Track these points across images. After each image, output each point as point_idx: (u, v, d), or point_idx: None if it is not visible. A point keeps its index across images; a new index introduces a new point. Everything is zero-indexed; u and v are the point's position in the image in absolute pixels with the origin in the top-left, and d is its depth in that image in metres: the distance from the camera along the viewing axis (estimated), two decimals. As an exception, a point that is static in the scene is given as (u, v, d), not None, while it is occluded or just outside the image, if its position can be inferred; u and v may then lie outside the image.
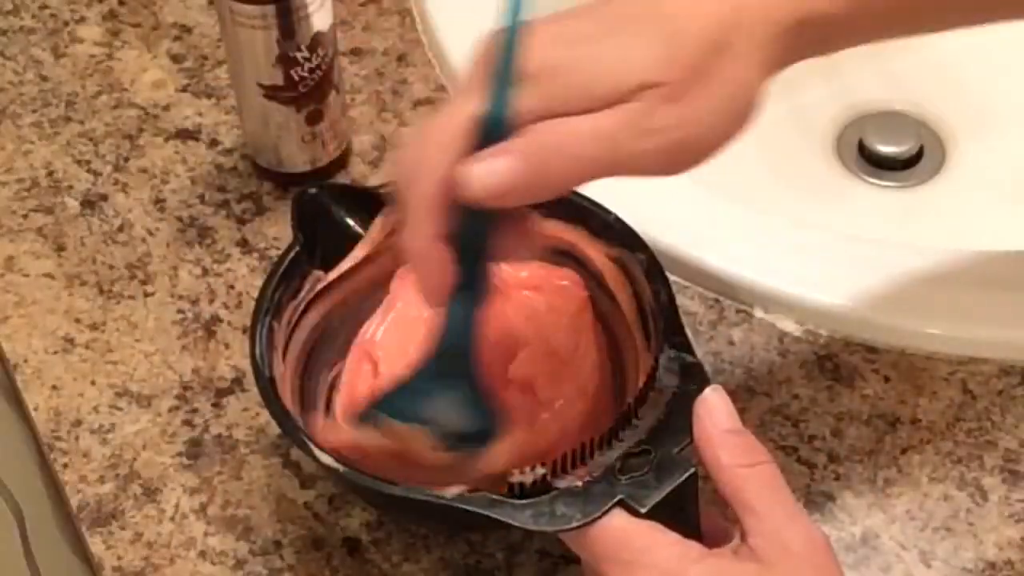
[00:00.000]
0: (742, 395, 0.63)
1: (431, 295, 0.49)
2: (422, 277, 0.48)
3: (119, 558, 0.60)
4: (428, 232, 0.47)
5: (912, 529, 0.59)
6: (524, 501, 0.49)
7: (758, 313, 0.67)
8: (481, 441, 0.51)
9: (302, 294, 0.59)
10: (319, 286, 0.60)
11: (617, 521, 0.48)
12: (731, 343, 0.66)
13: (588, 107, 0.45)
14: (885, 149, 0.84)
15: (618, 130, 0.45)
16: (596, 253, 0.59)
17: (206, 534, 0.60)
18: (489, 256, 0.49)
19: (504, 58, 0.45)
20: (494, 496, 0.50)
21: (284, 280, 0.58)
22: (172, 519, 0.61)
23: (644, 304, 0.57)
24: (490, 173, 0.45)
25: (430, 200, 0.46)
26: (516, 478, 0.49)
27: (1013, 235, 0.73)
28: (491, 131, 0.45)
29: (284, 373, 0.57)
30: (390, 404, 0.52)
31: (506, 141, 0.45)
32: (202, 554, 0.60)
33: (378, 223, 0.60)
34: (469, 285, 0.49)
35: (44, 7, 0.83)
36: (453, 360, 0.51)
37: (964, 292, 0.66)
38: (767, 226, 0.68)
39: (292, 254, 0.59)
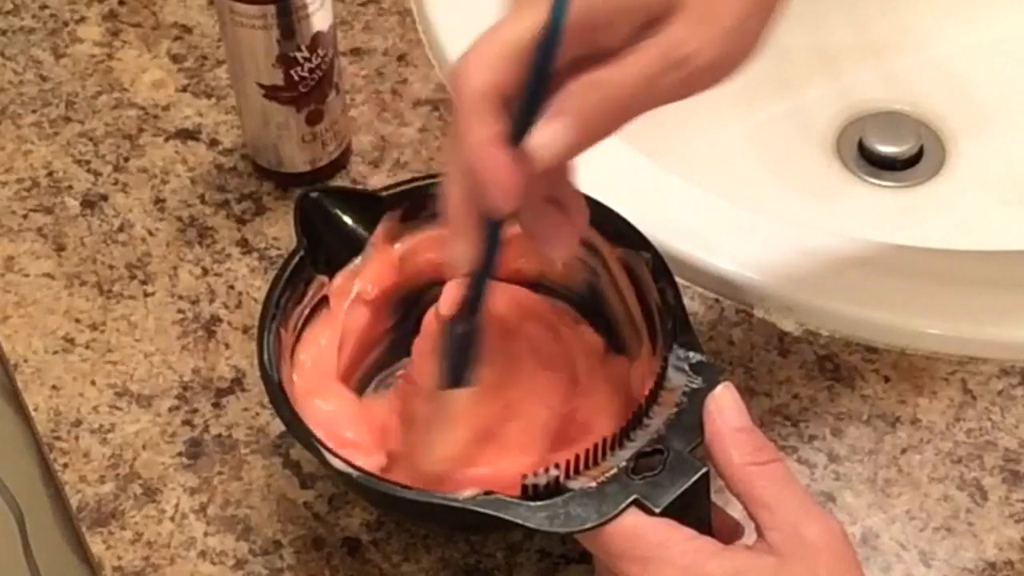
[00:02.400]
0: (742, 395, 0.63)
1: (500, 195, 0.47)
2: (486, 179, 0.47)
3: (119, 558, 0.60)
4: (485, 132, 0.46)
5: (912, 529, 0.59)
6: (538, 503, 0.49)
7: (758, 313, 0.67)
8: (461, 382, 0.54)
9: (307, 299, 0.59)
10: (323, 291, 0.60)
11: (632, 519, 0.48)
12: (731, 343, 0.66)
13: (613, 27, 0.45)
14: (885, 149, 0.84)
15: (655, 73, 0.45)
16: (605, 251, 0.59)
17: (206, 534, 0.60)
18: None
19: None
20: (509, 499, 0.50)
21: (289, 285, 0.58)
22: (172, 519, 0.61)
23: (650, 303, 0.57)
24: (550, 143, 0.46)
25: (483, 103, 0.46)
26: (530, 480, 0.49)
27: (1013, 235, 0.74)
28: (549, 47, 0.45)
29: (291, 378, 0.57)
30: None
31: (555, 102, 0.45)
32: (202, 554, 0.60)
33: (381, 227, 0.60)
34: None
35: (44, 7, 0.83)
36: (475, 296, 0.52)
37: (964, 292, 0.66)
38: (767, 226, 0.68)
39: (296, 259, 0.59)
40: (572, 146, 0.46)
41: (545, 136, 0.46)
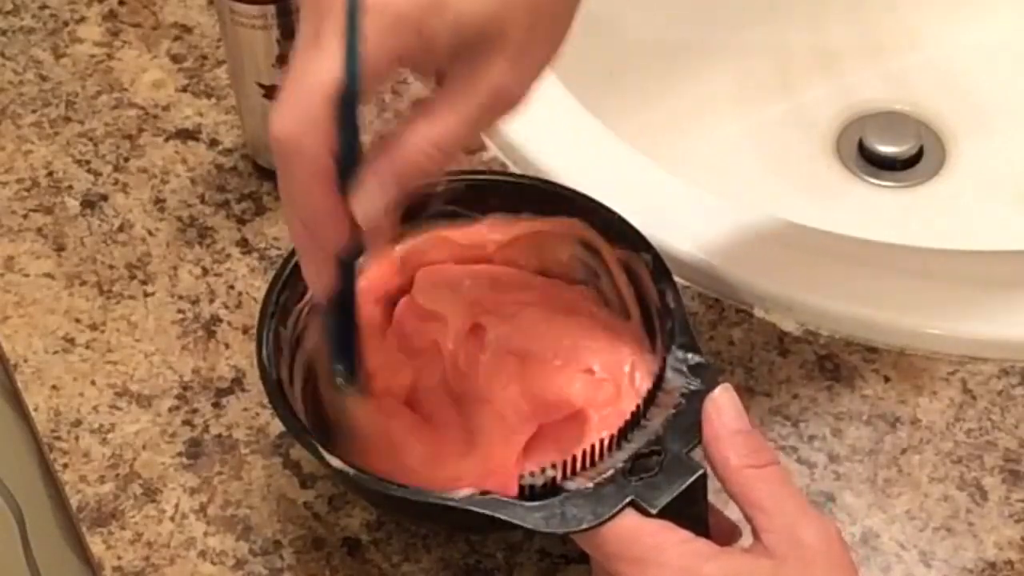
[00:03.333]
0: (742, 395, 0.63)
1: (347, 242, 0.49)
2: (334, 237, 0.48)
3: (119, 558, 0.60)
4: (326, 198, 0.47)
5: (912, 529, 0.59)
6: (535, 503, 0.49)
7: (758, 313, 0.67)
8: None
9: (307, 297, 0.59)
10: None
11: (628, 520, 0.48)
12: (731, 343, 0.66)
13: (431, 58, 0.45)
14: (885, 149, 0.84)
15: (468, 120, 0.46)
16: (605, 251, 0.59)
17: (206, 534, 0.60)
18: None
19: (350, 15, 0.44)
20: (505, 499, 0.50)
21: (289, 283, 0.58)
22: (172, 519, 0.61)
23: (649, 304, 0.57)
24: (371, 208, 0.47)
25: (321, 165, 0.46)
26: (526, 480, 0.49)
27: (1013, 235, 0.74)
28: (349, 99, 0.46)
29: (291, 376, 0.57)
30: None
31: (371, 165, 0.47)
32: (202, 554, 0.60)
33: None
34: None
35: (44, 7, 0.83)
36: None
37: (964, 292, 0.66)
38: (767, 226, 0.68)
39: (296, 257, 0.58)
40: (390, 206, 0.47)
41: (364, 205, 0.47)
